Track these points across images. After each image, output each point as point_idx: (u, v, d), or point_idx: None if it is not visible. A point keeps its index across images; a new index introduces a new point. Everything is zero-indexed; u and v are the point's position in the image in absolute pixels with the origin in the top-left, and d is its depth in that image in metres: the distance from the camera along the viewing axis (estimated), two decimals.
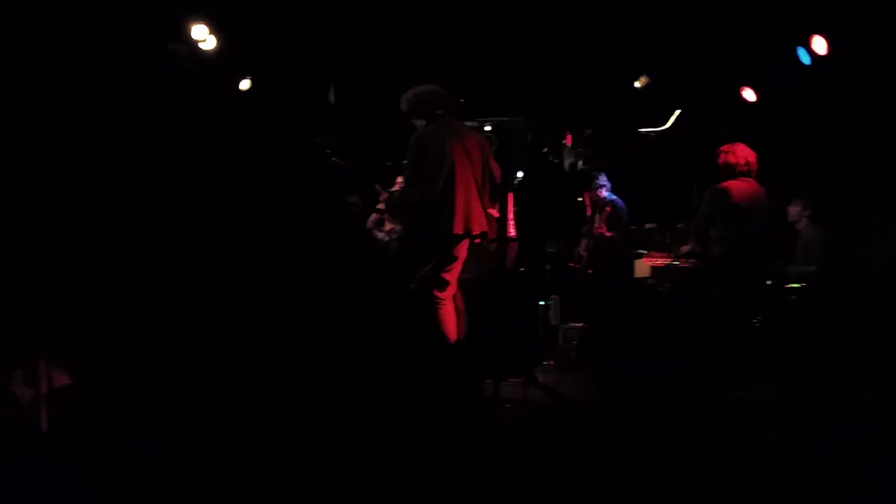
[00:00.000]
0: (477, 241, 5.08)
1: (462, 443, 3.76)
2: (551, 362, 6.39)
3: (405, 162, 5.16)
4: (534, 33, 7.40)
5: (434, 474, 3.49)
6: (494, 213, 5.20)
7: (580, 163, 8.43)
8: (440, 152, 4.97)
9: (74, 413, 3.37)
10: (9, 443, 3.17)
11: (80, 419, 3.35)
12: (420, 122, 5.17)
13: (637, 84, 7.81)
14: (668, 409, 4.30)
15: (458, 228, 4.93)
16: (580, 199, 7.84)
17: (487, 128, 5.86)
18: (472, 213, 4.99)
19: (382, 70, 7.83)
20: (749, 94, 7.40)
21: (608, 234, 7.21)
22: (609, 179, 7.52)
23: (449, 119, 5.15)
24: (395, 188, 8.17)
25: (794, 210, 6.98)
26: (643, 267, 6.44)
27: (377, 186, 5.54)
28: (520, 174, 8.07)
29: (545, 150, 8.54)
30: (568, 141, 8.62)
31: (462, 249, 5.01)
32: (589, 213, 7.63)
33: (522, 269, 5.07)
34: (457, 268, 5.05)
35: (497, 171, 5.13)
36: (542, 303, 7.40)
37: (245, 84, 7.63)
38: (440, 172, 4.95)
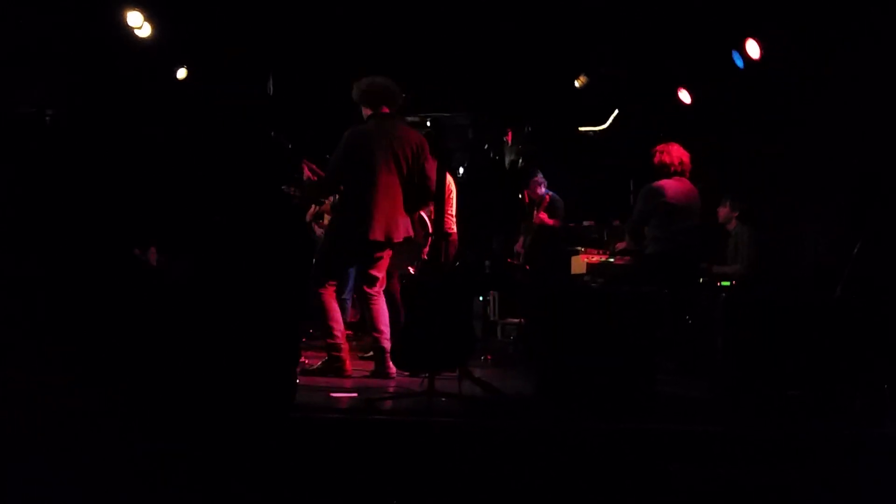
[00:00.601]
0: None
1: (393, 436, 3.75)
2: (489, 357, 6.42)
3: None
4: (477, 30, 7.43)
5: (366, 470, 3.48)
6: (427, 213, 5.24)
7: (520, 160, 8.49)
8: (367, 156, 5.03)
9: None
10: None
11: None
12: (365, 113, 5.19)
13: (577, 83, 7.88)
14: (600, 404, 4.34)
15: (377, 235, 5.01)
16: (520, 195, 7.89)
17: (427, 123, 5.89)
18: (394, 220, 5.05)
19: (322, 62, 7.78)
20: (685, 96, 7.52)
21: (549, 221, 7.23)
22: (547, 177, 7.58)
23: (390, 119, 5.19)
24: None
25: (723, 211, 7.13)
26: (580, 263, 6.52)
27: (305, 165, 5.52)
28: (461, 170, 8.09)
29: (486, 146, 8.58)
30: (509, 138, 8.68)
31: (383, 253, 5.07)
32: (528, 209, 7.69)
33: (458, 264, 5.08)
34: (383, 265, 5.12)
35: (432, 174, 5.15)
36: (480, 298, 7.44)
37: (182, 73, 7.50)
38: (365, 176, 5.01)
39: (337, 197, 5.43)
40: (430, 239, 5.18)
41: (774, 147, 6.97)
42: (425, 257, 5.40)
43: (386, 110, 5.19)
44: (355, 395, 4.54)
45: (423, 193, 5.18)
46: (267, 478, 3.35)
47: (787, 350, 4.67)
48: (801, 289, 5.51)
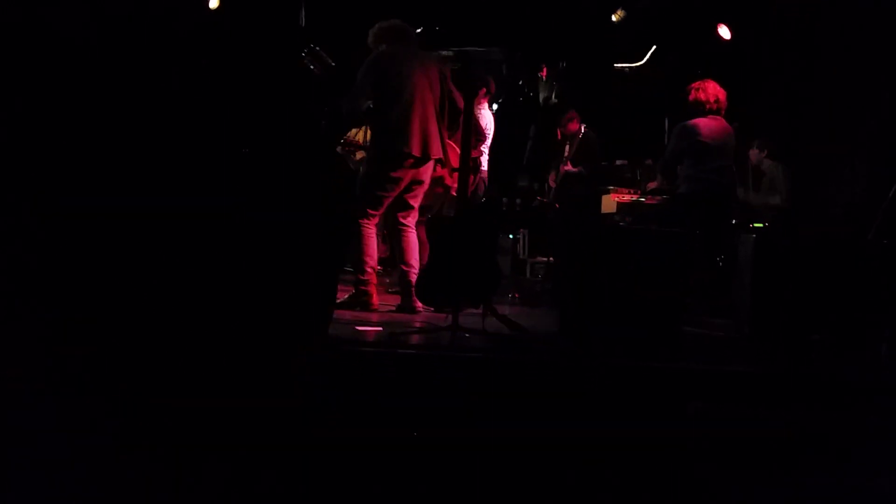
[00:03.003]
0: (438, 167, 5.10)
1: (416, 369, 3.80)
2: (516, 295, 6.44)
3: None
4: None
5: (389, 402, 3.53)
6: (454, 145, 5.22)
7: (554, 96, 8.37)
8: (399, 74, 5.03)
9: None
10: None
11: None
12: (382, 48, 5.18)
13: (614, 18, 7.72)
14: (625, 345, 4.34)
15: (415, 150, 4.99)
16: (554, 132, 7.81)
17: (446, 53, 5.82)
18: (431, 138, 5.07)
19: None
20: (724, 32, 7.33)
21: (574, 169, 7.19)
22: (581, 113, 7.48)
23: (413, 47, 5.21)
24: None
25: (753, 153, 6.99)
26: (610, 202, 6.46)
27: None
28: (495, 106, 8.01)
29: (521, 82, 8.47)
30: (543, 74, 8.55)
31: (423, 174, 5.06)
32: (560, 147, 7.62)
33: (484, 199, 5.07)
34: (420, 191, 5.13)
35: (459, 99, 5.15)
36: (511, 236, 7.44)
37: (214, 2, 7.45)
38: (400, 93, 5.00)
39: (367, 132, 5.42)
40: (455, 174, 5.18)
41: (811, 85, 6.81)
42: (454, 193, 5.39)
43: (405, 42, 5.22)
44: (380, 328, 4.59)
45: (453, 117, 5.19)
46: (294, 413, 3.40)
47: (817, 293, 4.63)
48: (833, 230, 5.42)
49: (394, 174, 5.10)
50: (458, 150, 5.23)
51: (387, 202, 5.16)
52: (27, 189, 3.48)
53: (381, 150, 5.15)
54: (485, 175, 6.21)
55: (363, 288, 5.23)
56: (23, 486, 2.82)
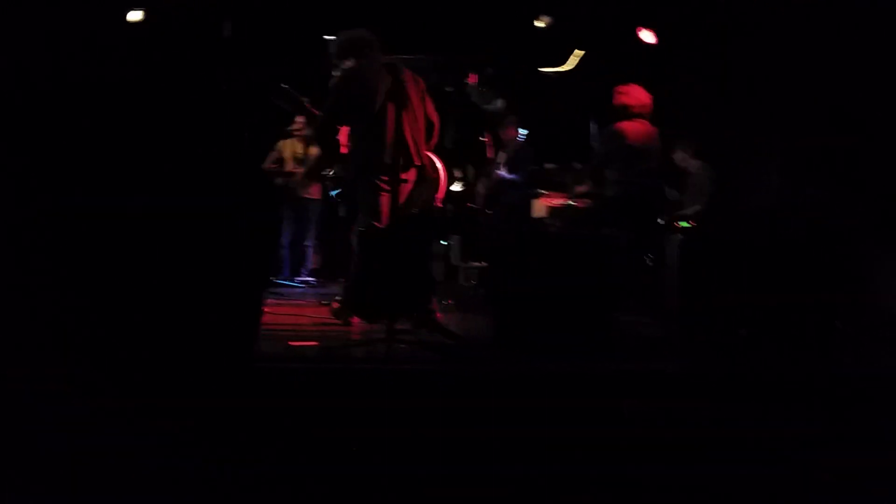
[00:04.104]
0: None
1: (352, 384, 3.78)
2: (450, 301, 6.45)
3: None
4: None
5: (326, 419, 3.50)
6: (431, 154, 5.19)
7: (483, 102, 8.41)
8: (369, 91, 4.88)
9: None
10: None
11: None
12: (348, 63, 5.04)
13: (538, 24, 7.80)
14: (559, 348, 4.38)
15: (391, 160, 4.80)
16: (482, 138, 7.85)
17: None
18: (408, 148, 4.90)
19: (281, 4, 7.63)
20: (646, 36, 7.47)
21: (510, 175, 7.23)
22: (510, 119, 7.53)
23: (380, 55, 5.05)
24: (295, 127, 8.05)
25: (678, 156, 7.13)
26: (540, 207, 6.52)
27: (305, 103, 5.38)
28: None
29: (449, 89, 8.49)
30: (472, 80, 8.58)
31: (406, 178, 4.94)
32: (490, 153, 7.65)
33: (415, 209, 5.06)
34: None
35: (433, 109, 5.11)
36: (443, 242, 7.45)
37: (136, 15, 7.32)
38: (371, 110, 4.87)
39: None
40: (440, 183, 5.15)
41: (734, 85, 6.98)
42: (439, 204, 5.33)
43: (372, 53, 5.04)
44: (315, 343, 4.55)
45: (429, 129, 5.11)
46: (229, 429, 3.36)
47: (741, 289, 4.74)
48: (755, 228, 5.56)
49: (381, 184, 4.94)
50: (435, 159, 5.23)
51: (387, 209, 4.93)
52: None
53: (361, 164, 5.03)
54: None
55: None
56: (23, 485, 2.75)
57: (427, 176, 5.07)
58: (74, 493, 2.82)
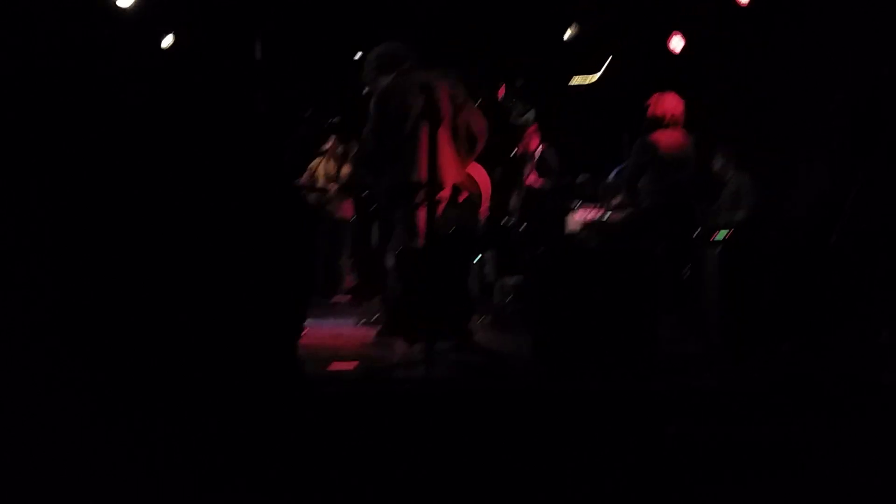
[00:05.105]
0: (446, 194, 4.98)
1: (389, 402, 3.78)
2: (487, 318, 6.43)
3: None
4: None
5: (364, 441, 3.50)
6: (475, 169, 5.14)
7: (513, 114, 8.39)
8: (401, 109, 4.82)
9: None
10: None
11: None
12: (384, 79, 5.00)
13: (566, 35, 7.78)
14: (598, 365, 4.35)
15: (425, 177, 4.70)
16: (513, 151, 7.83)
17: None
18: (444, 164, 4.82)
19: (308, 22, 7.68)
20: (676, 44, 7.42)
21: (537, 183, 7.19)
22: (540, 130, 7.50)
23: (416, 71, 4.95)
24: (328, 146, 8.10)
25: (717, 163, 7.06)
26: (574, 222, 6.48)
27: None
28: None
29: (478, 101, 8.47)
30: (500, 92, 8.57)
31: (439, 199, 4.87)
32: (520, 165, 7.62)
33: (453, 227, 5.05)
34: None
35: (478, 121, 5.03)
36: (477, 258, 7.44)
37: (168, 41, 7.40)
38: (405, 125, 4.82)
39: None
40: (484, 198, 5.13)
41: (769, 91, 6.90)
42: (483, 219, 5.33)
43: (407, 66, 4.99)
44: (354, 364, 4.55)
45: (470, 142, 5.04)
46: (267, 453, 3.36)
47: (783, 300, 4.69)
48: (796, 236, 5.48)
49: (415, 203, 4.88)
50: (481, 170, 5.17)
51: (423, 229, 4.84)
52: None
53: (394, 187, 4.97)
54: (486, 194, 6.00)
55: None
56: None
57: (467, 191, 5.05)
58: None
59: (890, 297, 4.74)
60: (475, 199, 5.13)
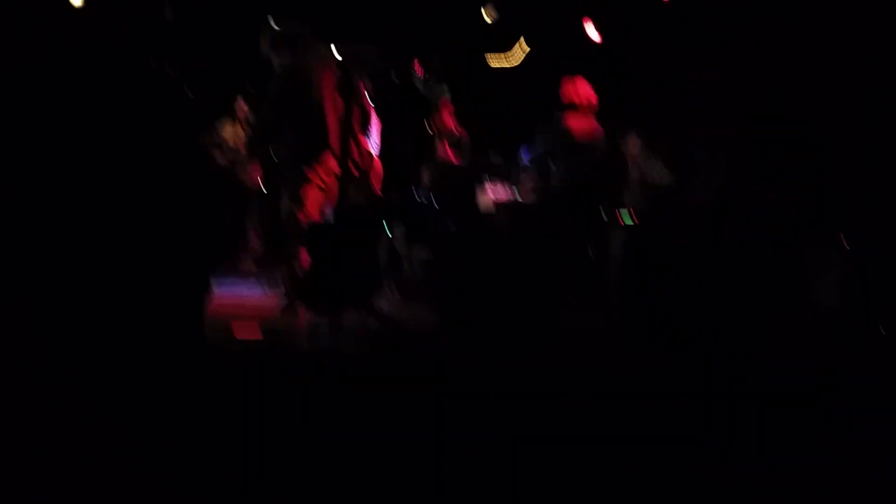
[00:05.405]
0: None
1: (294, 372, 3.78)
2: (395, 291, 6.44)
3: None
4: None
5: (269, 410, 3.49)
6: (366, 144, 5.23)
7: (429, 92, 8.39)
8: (304, 83, 4.99)
9: None
10: None
11: None
12: (284, 54, 5.07)
13: (485, 15, 7.81)
14: (504, 342, 4.43)
15: (327, 150, 4.94)
16: (427, 128, 7.83)
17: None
18: (338, 140, 4.95)
19: None
20: (592, 32, 7.52)
21: (454, 158, 7.22)
22: (454, 107, 7.52)
23: (316, 47, 5.15)
24: (236, 109, 7.95)
25: (624, 150, 7.20)
26: (486, 200, 6.54)
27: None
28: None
29: (395, 80, 8.45)
30: (418, 71, 8.55)
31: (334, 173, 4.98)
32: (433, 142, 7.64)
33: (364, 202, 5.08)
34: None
35: (367, 102, 5.19)
36: (388, 232, 7.43)
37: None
38: (307, 101, 4.98)
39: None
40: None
41: (676, 82, 7.09)
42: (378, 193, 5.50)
43: (305, 42, 5.14)
44: (259, 332, 4.52)
45: (364, 119, 5.25)
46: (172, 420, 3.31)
47: (681, 284, 4.84)
48: (696, 225, 5.67)
49: (309, 173, 5.04)
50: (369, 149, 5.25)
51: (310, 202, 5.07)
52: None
53: (294, 154, 5.11)
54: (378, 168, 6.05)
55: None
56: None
57: (360, 168, 5.13)
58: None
59: (781, 284, 4.97)
60: (367, 176, 5.23)
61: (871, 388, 4.05)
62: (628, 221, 6.19)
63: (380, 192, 5.64)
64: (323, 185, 5.06)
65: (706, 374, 4.19)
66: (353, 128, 5.08)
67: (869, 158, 5.62)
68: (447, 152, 7.24)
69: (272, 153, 5.79)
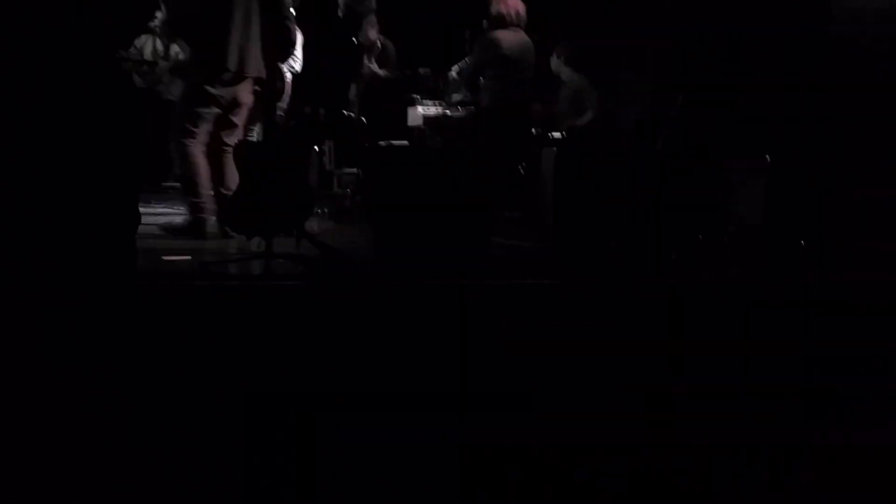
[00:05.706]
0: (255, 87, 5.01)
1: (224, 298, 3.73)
2: (325, 209, 6.37)
3: None
4: None
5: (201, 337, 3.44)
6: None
7: (354, 3, 8.15)
8: None
9: None
10: None
11: None
12: None
13: None
14: (438, 261, 4.42)
15: (232, 66, 4.85)
16: (353, 40, 7.63)
17: None
18: (249, 55, 4.90)
19: None
20: None
21: (380, 72, 7.09)
22: (381, 22, 7.34)
23: None
24: (155, 23, 7.62)
25: (553, 63, 7.15)
26: (416, 115, 6.47)
27: None
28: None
29: None
30: None
31: (241, 92, 4.95)
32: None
33: (293, 121, 4.98)
34: (242, 112, 4.97)
35: (282, 18, 5.04)
36: (316, 148, 7.31)
37: None
38: (221, 9, 4.85)
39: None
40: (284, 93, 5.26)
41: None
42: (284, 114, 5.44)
43: None
44: (189, 257, 4.43)
45: (283, 41, 5.09)
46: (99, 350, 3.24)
47: (613, 204, 4.90)
48: (624, 140, 5.72)
49: (212, 90, 4.94)
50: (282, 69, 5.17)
51: (208, 119, 4.97)
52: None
53: (199, 66, 5.07)
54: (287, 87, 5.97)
55: (198, 214, 5.01)
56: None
57: (270, 86, 5.05)
58: None
59: (709, 201, 5.05)
60: (277, 94, 5.18)
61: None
62: (557, 136, 6.22)
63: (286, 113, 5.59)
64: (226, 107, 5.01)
65: (633, 296, 4.27)
66: (263, 45, 4.98)
67: (794, 74, 5.68)
68: (374, 67, 7.10)
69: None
